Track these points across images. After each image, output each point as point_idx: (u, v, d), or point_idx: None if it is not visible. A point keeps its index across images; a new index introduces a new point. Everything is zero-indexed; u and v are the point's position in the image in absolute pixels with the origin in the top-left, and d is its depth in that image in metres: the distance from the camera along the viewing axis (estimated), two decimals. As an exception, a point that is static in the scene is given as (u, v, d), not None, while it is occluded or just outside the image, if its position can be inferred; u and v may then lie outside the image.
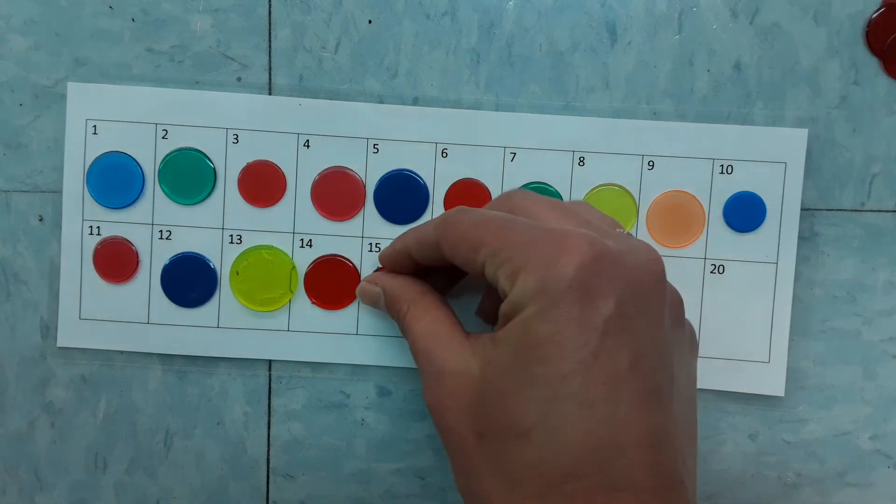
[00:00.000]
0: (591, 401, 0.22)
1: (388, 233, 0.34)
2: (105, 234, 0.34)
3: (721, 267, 0.34)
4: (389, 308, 0.30)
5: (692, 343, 0.27)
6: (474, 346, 0.25)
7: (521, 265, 0.23)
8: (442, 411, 0.25)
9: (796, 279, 0.34)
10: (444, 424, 0.25)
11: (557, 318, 0.22)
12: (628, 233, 0.27)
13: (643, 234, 0.34)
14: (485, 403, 0.24)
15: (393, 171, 0.34)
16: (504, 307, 0.24)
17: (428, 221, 0.29)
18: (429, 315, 0.28)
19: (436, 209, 0.34)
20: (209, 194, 0.34)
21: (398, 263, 0.31)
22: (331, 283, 0.34)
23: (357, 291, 0.33)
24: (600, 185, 0.34)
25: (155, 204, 0.34)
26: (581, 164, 0.34)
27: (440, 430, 0.26)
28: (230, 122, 0.34)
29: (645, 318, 0.23)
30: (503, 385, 0.23)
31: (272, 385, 0.35)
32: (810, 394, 0.35)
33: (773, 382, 0.34)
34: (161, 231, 0.34)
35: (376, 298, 0.31)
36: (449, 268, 0.28)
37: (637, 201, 0.34)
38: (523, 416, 0.23)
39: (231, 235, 0.34)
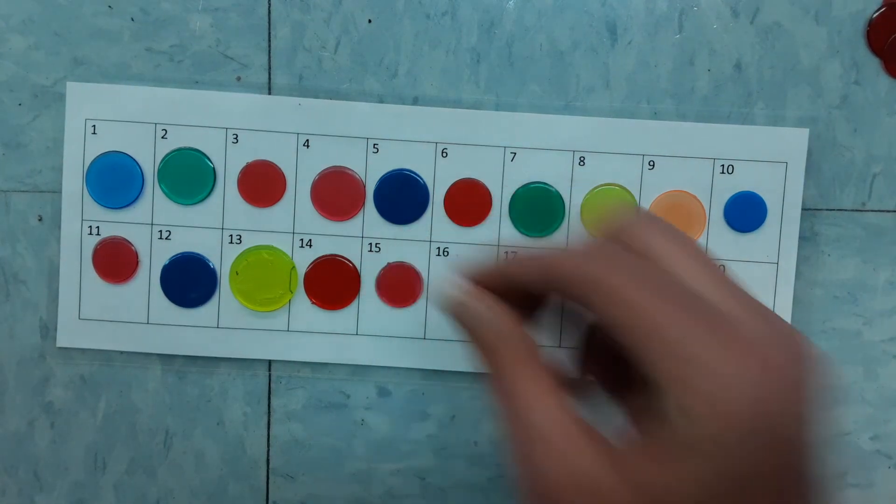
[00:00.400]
0: None
1: (388, 233, 0.34)
2: (104, 233, 0.34)
3: (721, 267, 0.34)
4: (478, 336, 0.23)
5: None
6: (614, 458, 0.19)
7: (709, 388, 0.18)
8: None
9: (797, 279, 0.34)
10: None
11: (757, 456, 0.18)
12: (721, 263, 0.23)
13: (643, 234, 0.34)
14: None
15: (393, 170, 0.34)
16: (676, 437, 0.18)
17: (558, 247, 0.22)
18: (541, 383, 0.21)
19: (436, 209, 0.34)
20: (209, 194, 0.34)
21: (493, 286, 0.23)
22: (331, 283, 0.34)
23: (438, 293, 0.25)
24: (600, 185, 0.34)
25: (154, 204, 0.34)
26: (581, 164, 0.34)
27: None
28: (230, 122, 0.34)
29: (813, 428, 0.20)
30: None
31: (272, 385, 0.35)
32: (811, 394, 0.35)
33: (773, 382, 0.34)
34: (160, 231, 0.34)
35: (461, 313, 0.23)
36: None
37: (638, 201, 0.34)
38: None
39: (231, 235, 0.34)
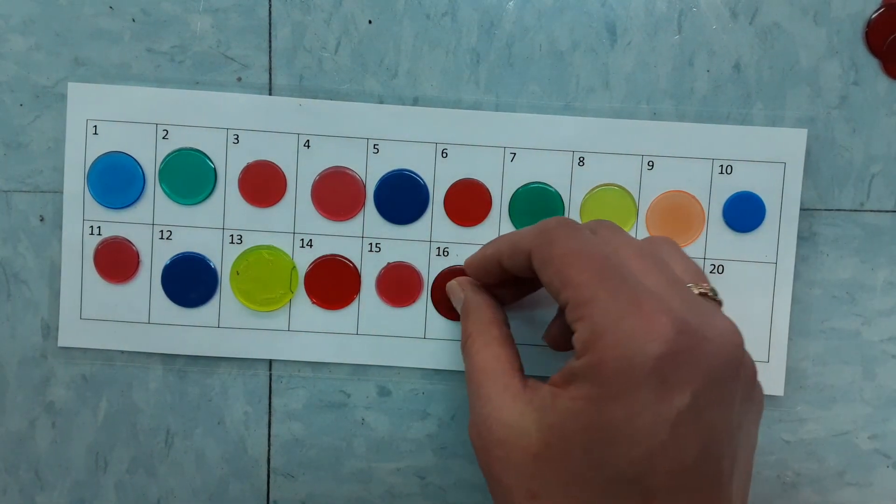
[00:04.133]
0: (653, 490, 0.22)
1: (389, 233, 0.34)
2: (106, 234, 0.34)
3: (720, 267, 0.34)
4: (461, 321, 0.30)
5: (759, 408, 0.26)
6: (532, 399, 0.24)
7: (602, 332, 0.22)
8: (489, 458, 0.25)
9: (795, 279, 0.34)
10: (490, 472, 0.25)
11: (632, 404, 0.22)
12: (712, 290, 0.26)
13: (643, 235, 0.34)
14: (541, 467, 0.23)
15: (393, 171, 0.34)
16: (574, 367, 0.23)
17: (527, 228, 0.27)
18: (489, 350, 0.27)
19: (436, 209, 0.34)
20: (209, 194, 0.34)
21: (485, 270, 0.30)
22: (331, 283, 0.34)
23: (447, 286, 0.33)
24: (600, 185, 0.34)
25: (155, 204, 0.34)
26: (581, 164, 0.34)
27: (485, 474, 0.25)
28: (230, 123, 0.34)
29: (718, 407, 0.23)
30: (564, 456, 0.23)
31: (272, 385, 0.35)
32: (809, 393, 0.35)
33: (772, 382, 0.34)
34: (162, 231, 0.34)
35: (456, 304, 0.31)
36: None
37: (637, 201, 0.34)
38: (582, 490, 0.22)
39: (231, 235, 0.34)
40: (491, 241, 0.30)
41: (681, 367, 0.22)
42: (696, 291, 0.25)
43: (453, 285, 0.32)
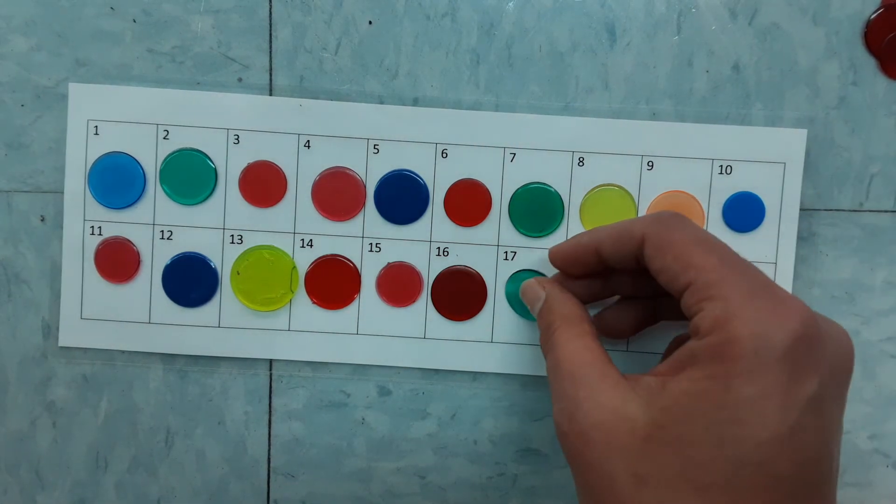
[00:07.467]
0: (780, 475, 0.21)
1: (388, 233, 0.34)
2: (106, 234, 0.34)
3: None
4: (541, 317, 0.29)
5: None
6: (635, 387, 0.24)
7: (736, 311, 0.22)
8: (583, 443, 0.23)
9: (795, 279, 0.34)
10: (584, 458, 0.24)
11: (764, 383, 0.21)
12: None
13: (642, 234, 0.34)
14: (652, 450, 0.22)
15: (393, 171, 0.34)
16: (694, 348, 0.23)
17: (636, 217, 0.28)
18: (581, 341, 0.26)
19: (436, 209, 0.34)
20: (210, 194, 0.34)
21: (575, 258, 0.29)
22: (331, 282, 0.34)
23: (521, 287, 0.32)
24: (600, 186, 0.34)
25: (156, 204, 0.34)
26: (581, 164, 0.34)
27: (577, 461, 0.24)
28: (231, 123, 0.34)
29: (835, 402, 0.23)
30: (683, 435, 0.22)
31: (273, 384, 0.35)
32: (809, 393, 0.35)
33: (771, 382, 0.34)
34: (162, 231, 0.34)
35: (534, 301, 0.30)
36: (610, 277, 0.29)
37: (636, 201, 0.34)
38: (704, 472, 0.22)
39: (232, 235, 0.34)
40: (585, 232, 0.30)
41: (811, 355, 0.22)
42: None
43: (531, 283, 0.31)
